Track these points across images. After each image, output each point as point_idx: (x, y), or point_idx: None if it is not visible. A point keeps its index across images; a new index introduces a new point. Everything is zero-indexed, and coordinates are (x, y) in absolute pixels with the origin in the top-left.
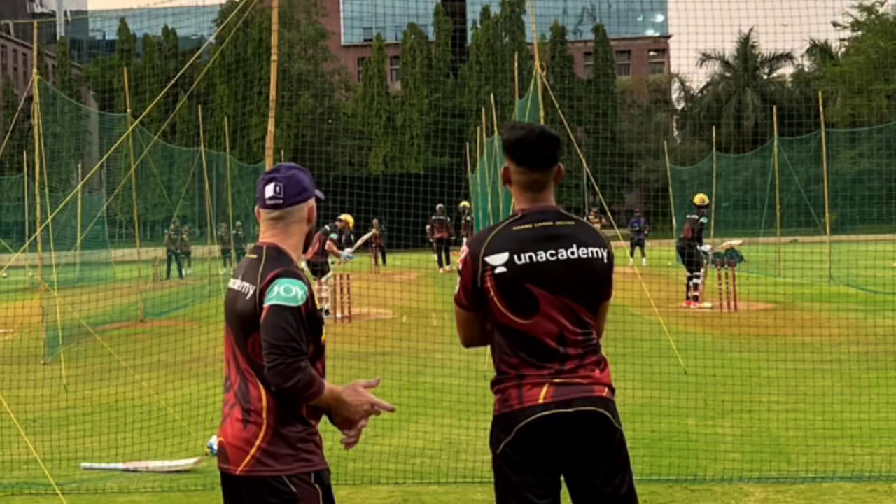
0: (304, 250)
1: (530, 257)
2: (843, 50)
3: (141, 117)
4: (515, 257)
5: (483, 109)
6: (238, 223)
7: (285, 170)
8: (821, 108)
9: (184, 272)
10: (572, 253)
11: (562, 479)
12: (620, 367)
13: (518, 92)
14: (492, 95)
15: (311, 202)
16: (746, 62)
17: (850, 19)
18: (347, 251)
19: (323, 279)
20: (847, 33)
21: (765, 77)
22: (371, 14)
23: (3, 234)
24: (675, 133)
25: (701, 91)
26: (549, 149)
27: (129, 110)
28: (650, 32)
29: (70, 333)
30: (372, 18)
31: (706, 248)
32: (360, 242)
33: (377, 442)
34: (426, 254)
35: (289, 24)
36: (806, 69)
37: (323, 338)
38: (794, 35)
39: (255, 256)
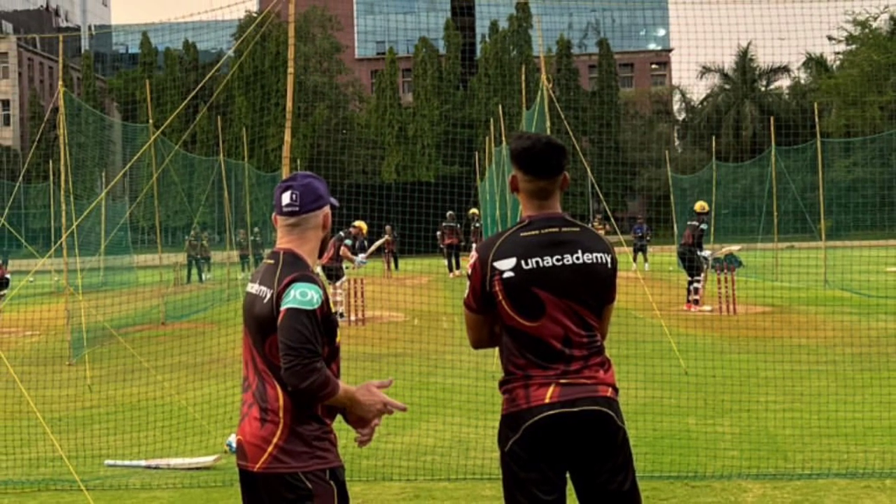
0: (320, 256)
1: (537, 262)
2: (837, 63)
3: (162, 128)
4: (523, 262)
5: (491, 120)
6: (256, 229)
7: (301, 178)
8: (816, 119)
9: (203, 277)
10: (577, 258)
11: (567, 475)
12: (624, 368)
13: (525, 103)
14: (500, 107)
15: (326, 209)
16: (745, 75)
17: (845, 33)
18: (361, 256)
19: (337, 283)
20: (842, 47)
21: (762, 89)
22: (384, 28)
23: (31, 240)
24: (677, 143)
25: (701, 102)
26: (554, 158)
27: (150, 121)
28: (652, 46)
29: (94, 335)
30: (385, 33)
31: (706, 253)
32: (373, 248)
33: (389, 440)
34: (437, 259)
35: (305, 38)
36: (802, 81)
37: (337, 340)
38: (790, 48)
39: (272, 261)
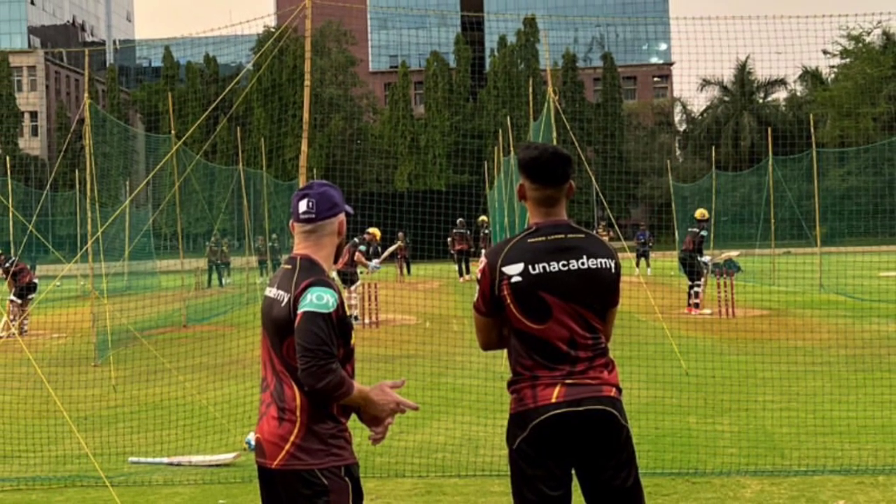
0: (335, 261)
1: (544, 267)
2: (832, 76)
3: (184, 138)
4: (530, 267)
5: (500, 131)
6: (274, 236)
7: (317, 186)
8: (812, 130)
9: (223, 281)
10: (582, 263)
11: (573, 472)
12: (627, 369)
13: (532, 115)
14: (508, 118)
15: (342, 216)
16: (743, 87)
17: (839, 48)
18: (375, 262)
19: (352, 287)
20: (836, 60)
21: (760, 101)
22: (397, 43)
23: (57, 245)
24: (678, 153)
25: (701, 114)
26: (560, 167)
27: (172, 132)
28: (654, 60)
29: (118, 338)
30: (398, 47)
31: (706, 258)
32: (386, 254)
33: (402, 438)
34: (447, 264)
35: (321, 52)
36: (798, 94)
37: (352, 342)
38: (787, 62)
39: (289, 267)
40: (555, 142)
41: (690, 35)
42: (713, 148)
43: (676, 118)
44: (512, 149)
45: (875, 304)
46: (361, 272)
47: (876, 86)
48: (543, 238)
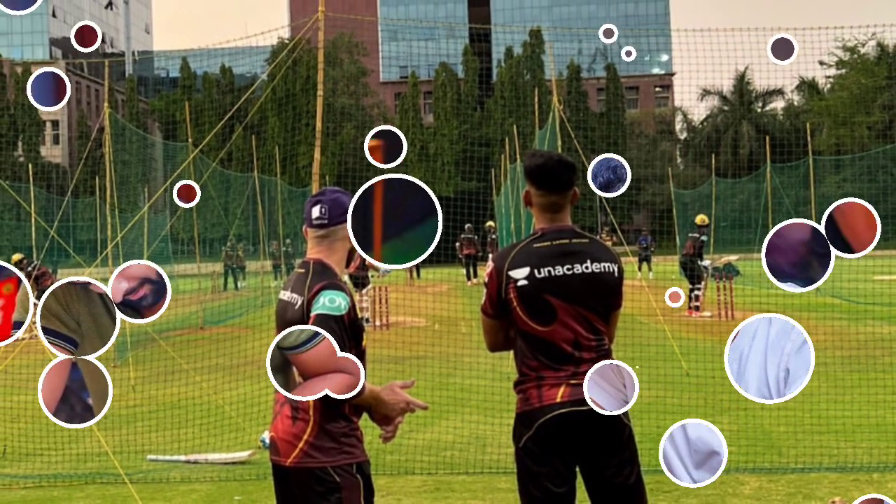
0: (347, 265)
1: (549, 271)
2: (828, 86)
3: (201, 146)
4: (536, 271)
5: (507, 139)
6: (288, 241)
7: (330, 193)
8: (808, 138)
9: (239, 285)
10: (586, 267)
11: (577, 469)
12: None
13: (538, 123)
14: (514, 127)
15: None
16: (742, 97)
17: (835, 58)
18: (385, 266)
19: (363, 291)
20: (832, 71)
21: (758, 110)
22: (407, 54)
23: (78, 250)
24: (679, 160)
25: (701, 123)
26: (565, 174)
27: (190, 140)
28: (656, 70)
29: (137, 339)
30: (407, 58)
31: (706, 263)
32: None
33: (412, 436)
34: (456, 268)
35: (333, 63)
36: (795, 103)
37: (363, 343)
38: (784, 73)
39: (302, 270)
40: (559, 150)
41: (691, 47)
42: (713, 156)
43: (677, 127)
44: (518, 156)
45: (870, 306)
46: (373, 276)
47: (870, 95)
48: (549, 243)
